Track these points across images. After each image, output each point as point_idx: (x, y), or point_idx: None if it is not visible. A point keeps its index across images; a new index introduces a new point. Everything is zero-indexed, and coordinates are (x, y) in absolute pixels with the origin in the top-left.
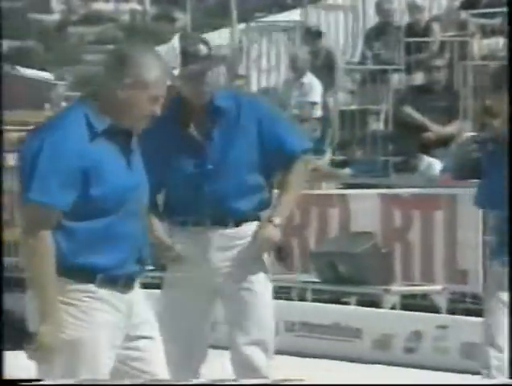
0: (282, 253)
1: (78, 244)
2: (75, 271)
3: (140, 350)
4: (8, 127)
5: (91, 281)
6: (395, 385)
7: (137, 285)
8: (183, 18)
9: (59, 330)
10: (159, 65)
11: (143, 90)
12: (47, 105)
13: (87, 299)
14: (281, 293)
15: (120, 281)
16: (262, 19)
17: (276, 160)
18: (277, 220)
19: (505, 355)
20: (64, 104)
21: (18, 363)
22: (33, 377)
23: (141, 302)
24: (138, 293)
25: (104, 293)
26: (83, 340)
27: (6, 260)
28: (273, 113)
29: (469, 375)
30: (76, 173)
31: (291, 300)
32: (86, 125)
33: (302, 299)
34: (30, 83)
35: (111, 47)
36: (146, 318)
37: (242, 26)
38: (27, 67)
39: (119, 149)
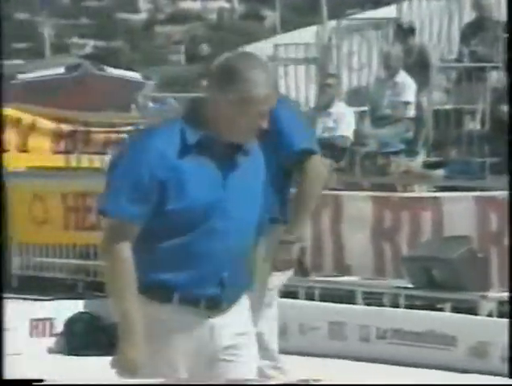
0: (302, 267)
1: (156, 261)
2: (152, 289)
3: (220, 374)
4: (94, 128)
5: (168, 300)
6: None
7: (227, 307)
8: (271, 16)
9: (138, 346)
10: (267, 79)
11: (250, 106)
12: (133, 106)
13: (164, 320)
14: (372, 299)
15: (200, 303)
16: (354, 16)
17: (284, 158)
18: (291, 238)
19: None
20: (150, 104)
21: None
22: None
23: (232, 326)
24: (229, 317)
25: (182, 315)
26: (157, 361)
27: (93, 264)
28: (289, 110)
29: None
30: (152, 186)
31: (383, 306)
32: (179, 137)
33: (394, 305)
34: (116, 83)
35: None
36: (235, 343)
37: (333, 23)
38: (114, 67)
39: (216, 163)
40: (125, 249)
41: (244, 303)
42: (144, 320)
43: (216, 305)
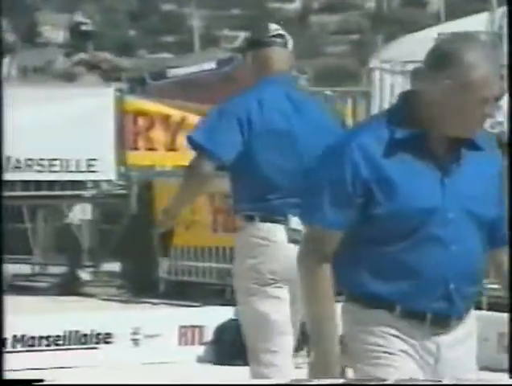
0: None
1: (370, 269)
2: (370, 300)
3: None
4: None
5: (389, 311)
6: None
7: (455, 324)
8: (435, 3)
9: (331, 353)
10: (488, 61)
11: (470, 92)
12: None
13: (384, 334)
14: None
15: (426, 318)
16: None
17: None
18: None
19: None
20: None
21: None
22: None
23: (458, 347)
24: (457, 335)
25: (405, 329)
26: (380, 371)
27: (224, 267)
28: None
29: None
30: (356, 186)
31: None
32: (386, 135)
33: None
34: None
35: (355, 36)
36: (456, 367)
37: (504, 9)
38: None
39: (431, 163)
40: (325, 260)
41: (472, 320)
42: (359, 329)
43: (444, 320)
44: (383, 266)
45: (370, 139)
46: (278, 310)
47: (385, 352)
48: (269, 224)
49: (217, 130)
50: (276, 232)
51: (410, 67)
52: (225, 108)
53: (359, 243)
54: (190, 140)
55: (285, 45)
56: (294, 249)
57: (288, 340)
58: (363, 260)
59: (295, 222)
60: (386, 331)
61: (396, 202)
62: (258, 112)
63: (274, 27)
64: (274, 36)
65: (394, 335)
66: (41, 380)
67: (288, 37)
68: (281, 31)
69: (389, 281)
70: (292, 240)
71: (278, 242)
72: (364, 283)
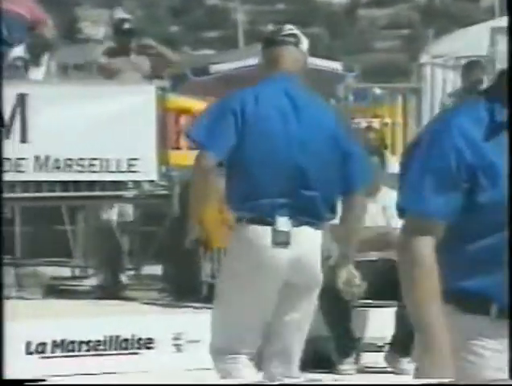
0: None
1: (464, 264)
2: (462, 299)
3: None
4: None
5: (485, 312)
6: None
7: None
8: None
9: (444, 357)
10: None
11: None
12: (332, 100)
13: (484, 351)
14: None
15: None
16: None
17: None
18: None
19: None
20: (351, 98)
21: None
22: None
23: None
24: None
25: (502, 331)
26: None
27: None
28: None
29: None
30: (460, 172)
31: None
32: (486, 116)
33: None
34: (315, 74)
35: (405, 31)
36: None
37: None
38: (312, 56)
39: None
40: (430, 252)
41: None
42: (453, 341)
43: None
44: (480, 260)
45: (469, 122)
46: (251, 317)
47: (483, 375)
48: (256, 227)
49: (215, 125)
50: (263, 235)
51: (463, 62)
52: (222, 102)
53: (455, 236)
54: (188, 136)
55: (297, 44)
56: (279, 252)
57: (254, 343)
58: (458, 255)
59: (283, 223)
60: (487, 347)
61: (499, 188)
62: (254, 107)
63: (287, 27)
64: (286, 36)
65: (493, 350)
66: (43, 380)
67: (302, 37)
68: (294, 31)
69: (485, 276)
70: (277, 243)
71: (264, 246)
72: (459, 279)
